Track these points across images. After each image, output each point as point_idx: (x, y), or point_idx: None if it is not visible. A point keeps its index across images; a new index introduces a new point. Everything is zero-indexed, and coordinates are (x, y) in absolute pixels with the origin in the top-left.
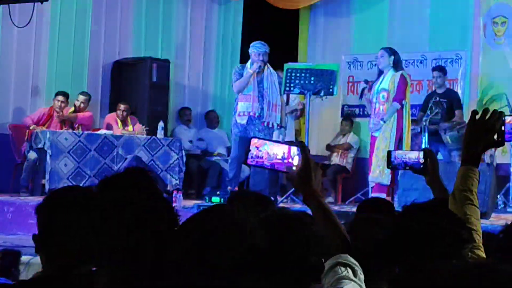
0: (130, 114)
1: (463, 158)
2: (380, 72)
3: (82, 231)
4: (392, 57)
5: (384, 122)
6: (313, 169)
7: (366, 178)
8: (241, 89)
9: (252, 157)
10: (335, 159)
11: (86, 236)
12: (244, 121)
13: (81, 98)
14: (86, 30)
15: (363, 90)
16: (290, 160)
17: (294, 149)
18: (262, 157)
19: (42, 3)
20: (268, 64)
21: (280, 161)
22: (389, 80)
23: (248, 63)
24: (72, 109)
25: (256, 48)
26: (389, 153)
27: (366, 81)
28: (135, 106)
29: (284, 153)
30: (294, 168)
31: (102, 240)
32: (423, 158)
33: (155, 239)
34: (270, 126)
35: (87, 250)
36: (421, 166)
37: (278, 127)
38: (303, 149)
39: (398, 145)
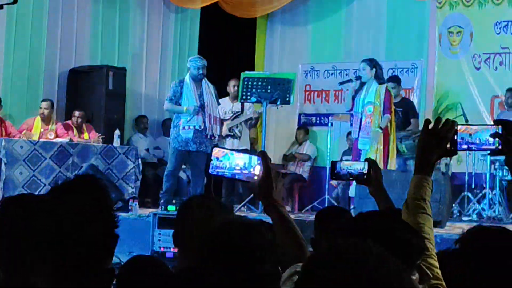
0: (86, 122)
1: (416, 167)
2: (362, 84)
3: (28, 240)
4: (374, 69)
5: (382, 128)
6: (274, 178)
7: (323, 187)
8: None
9: (213, 167)
10: (292, 168)
11: (35, 243)
12: (190, 135)
13: (44, 104)
14: (42, 38)
15: (347, 81)
16: (251, 170)
17: (254, 159)
18: (223, 168)
19: None
20: (205, 78)
21: (240, 171)
22: (374, 93)
23: (187, 77)
24: (38, 117)
25: (196, 63)
26: (333, 163)
27: (358, 78)
28: (91, 114)
29: (245, 163)
30: (255, 177)
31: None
32: (367, 168)
33: (93, 243)
34: (212, 138)
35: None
36: (365, 177)
37: (220, 138)
38: (265, 159)
39: (387, 160)
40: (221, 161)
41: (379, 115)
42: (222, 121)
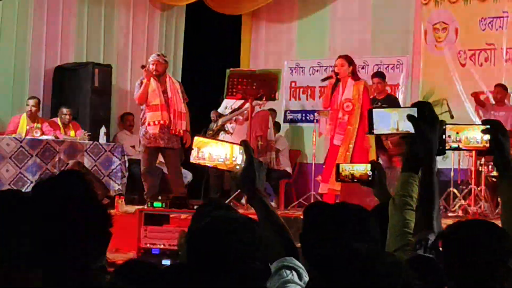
0: (72, 120)
1: (404, 166)
2: (338, 80)
3: (16, 234)
4: (351, 66)
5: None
6: (256, 168)
7: (309, 183)
8: (143, 101)
9: (193, 157)
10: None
11: (20, 239)
12: (156, 130)
13: (31, 102)
14: (28, 35)
15: (328, 78)
16: (232, 160)
17: (236, 149)
18: (204, 158)
19: None
20: (168, 74)
21: (222, 162)
22: (352, 90)
23: None
24: (24, 115)
25: (154, 58)
26: (337, 166)
27: (337, 74)
28: (77, 111)
29: (226, 154)
30: (237, 167)
31: (35, 242)
32: (371, 170)
33: (87, 240)
34: (177, 133)
35: (22, 252)
36: (369, 179)
37: (185, 132)
38: (247, 148)
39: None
40: (202, 152)
41: (358, 112)
42: (220, 116)
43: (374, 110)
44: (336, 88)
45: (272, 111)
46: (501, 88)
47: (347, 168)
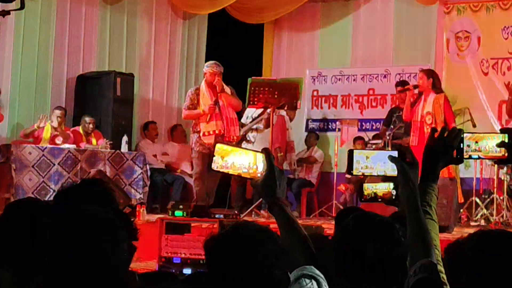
0: (94, 128)
1: (422, 175)
2: (420, 93)
3: (37, 245)
4: (431, 79)
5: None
6: (277, 177)
7: (331, 192)
8: (188, 119)
9: (216, 165)
10: (301, 174)
11: (41, 250)
12: (211, 140)
13: (57, 112)
14: (50, 44)
15: (406, 89)
16: (255, 167)
17: (259, 157)
18: (228, 166)
19: (4, 16)
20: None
21: (246, 171)
22: (432, 102)
23: (202, 83)
24: (48, 124)
25: (212, 69)
26: (361, 185)
27: (415, 86)
28: (99, 120)
29: (249, 162)
30: (258, 175)
31: (54, 254)
32: (394, 189)
33: (113, 252)
34: (231, 140)
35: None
36: (393, 197)
37: (239, 138)
38: (268, 156)
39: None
40: (226, 160)
41: (441, 125)
42: (242, 125)
43: (354, 151)
44: (418, 100)
45: (290, 111)
46: None
47: (370, 187)
